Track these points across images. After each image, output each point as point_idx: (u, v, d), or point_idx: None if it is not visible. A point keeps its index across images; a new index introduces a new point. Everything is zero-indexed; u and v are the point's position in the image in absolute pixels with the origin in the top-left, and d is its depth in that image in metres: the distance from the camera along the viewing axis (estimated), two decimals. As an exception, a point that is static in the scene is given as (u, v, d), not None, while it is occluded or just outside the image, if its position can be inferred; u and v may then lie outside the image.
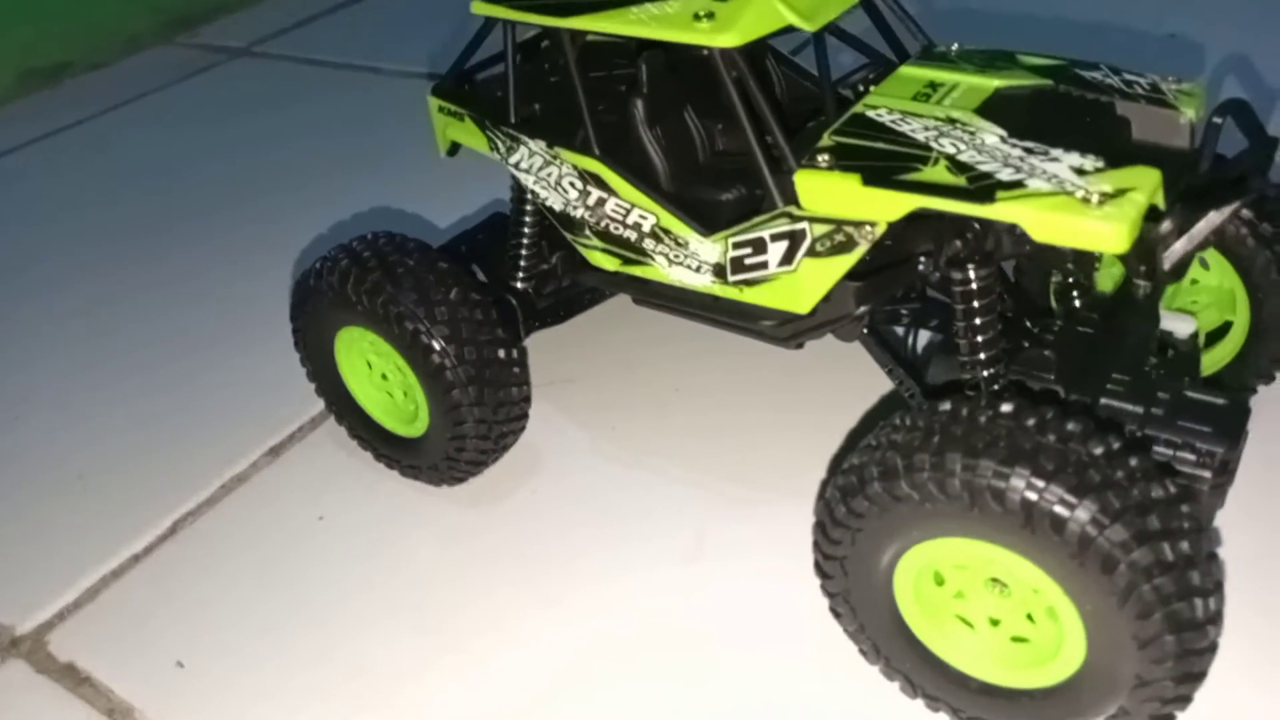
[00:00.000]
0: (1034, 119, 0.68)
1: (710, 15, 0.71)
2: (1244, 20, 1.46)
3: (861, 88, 0.78)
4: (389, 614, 0.83)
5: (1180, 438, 0.67)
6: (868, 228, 0.68)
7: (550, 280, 0.94)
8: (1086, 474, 0.56)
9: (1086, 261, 0.70)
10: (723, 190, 0.81)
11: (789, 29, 0.71)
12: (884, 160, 0.67)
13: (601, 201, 0.81)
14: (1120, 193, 0.60)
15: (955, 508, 0.59)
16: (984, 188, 0.62)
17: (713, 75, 0.71)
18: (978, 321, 0.69)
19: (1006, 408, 0.61)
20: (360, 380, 0.93)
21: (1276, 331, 0.81)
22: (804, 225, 0.71)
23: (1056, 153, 0.64)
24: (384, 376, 0.92)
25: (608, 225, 0.82)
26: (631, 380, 1.02)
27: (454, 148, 0.94)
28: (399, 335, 0.83)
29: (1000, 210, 0.62)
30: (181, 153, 1.67)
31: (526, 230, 0.92)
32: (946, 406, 0.63)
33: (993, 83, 0.72)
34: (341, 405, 0.95)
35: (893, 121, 0.70)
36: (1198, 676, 0.58)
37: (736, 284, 0.77)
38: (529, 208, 0.91)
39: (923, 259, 0.72)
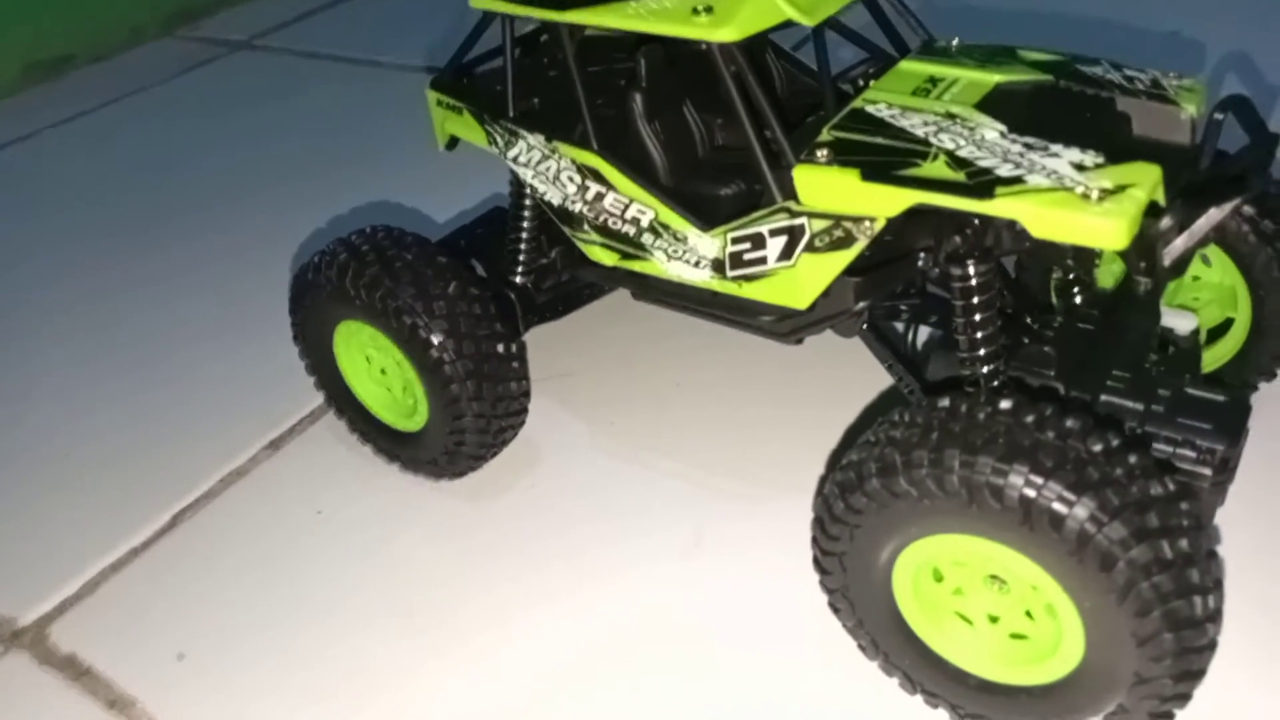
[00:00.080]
0: (1034, 114, 0.68)
1: (709, 9, 0.70)
2: (1245, 16, 1.45)
3: (861, 82, 0.77)
4: (388, 609, 0.83)
5: (1181, 435, 0.67)
6: (866, 223, 0.68)
7: (549, 275, 0.94)
8: (1085, 471, 0.56)
9: (1086, 258, 0.70)
10: (722, 185, 0.81)
11: (788, 23, 0.71)
12: (883, 155, 0.67)
13: (600, 196, 0.81)
14: (1120, 189, 0.60)
15: (954, 504, 0.59)
16: (983, 183, 0.62)
17: (711, 70, 0.71)
18: (977, 318, 0.69)
19: (1005, 404, 0.60)
20: (359, 374, 0.93)
21: (1278, 329, 0.80)
22: (803, 220, 0.71)
23: (1056, 148, 0.64)
24: (383, 371, 0.91)
25: (606, 220, 0.82)
26: (631, 375, 1.02)
27: (453, 141, 0.94)
28: (397, 330, 0.83)
29: (999, 206, 0.61)
30: (182, 146, 1.67)
31: (525, 225, 0.91)
32: (945, 403, 0.62)
33: (993, 78, 0.72)
34: (341, 399, 0.95)
35: (892, 117, 0.69)
36: (1196, 674, 0.58)
37: (735, 279, 0.76)
38: (528, 202, 0.90)
39: (922, 255, 0.72)
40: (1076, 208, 0.60)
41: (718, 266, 0.77)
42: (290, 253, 1.28)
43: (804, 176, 0.69)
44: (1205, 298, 0.84)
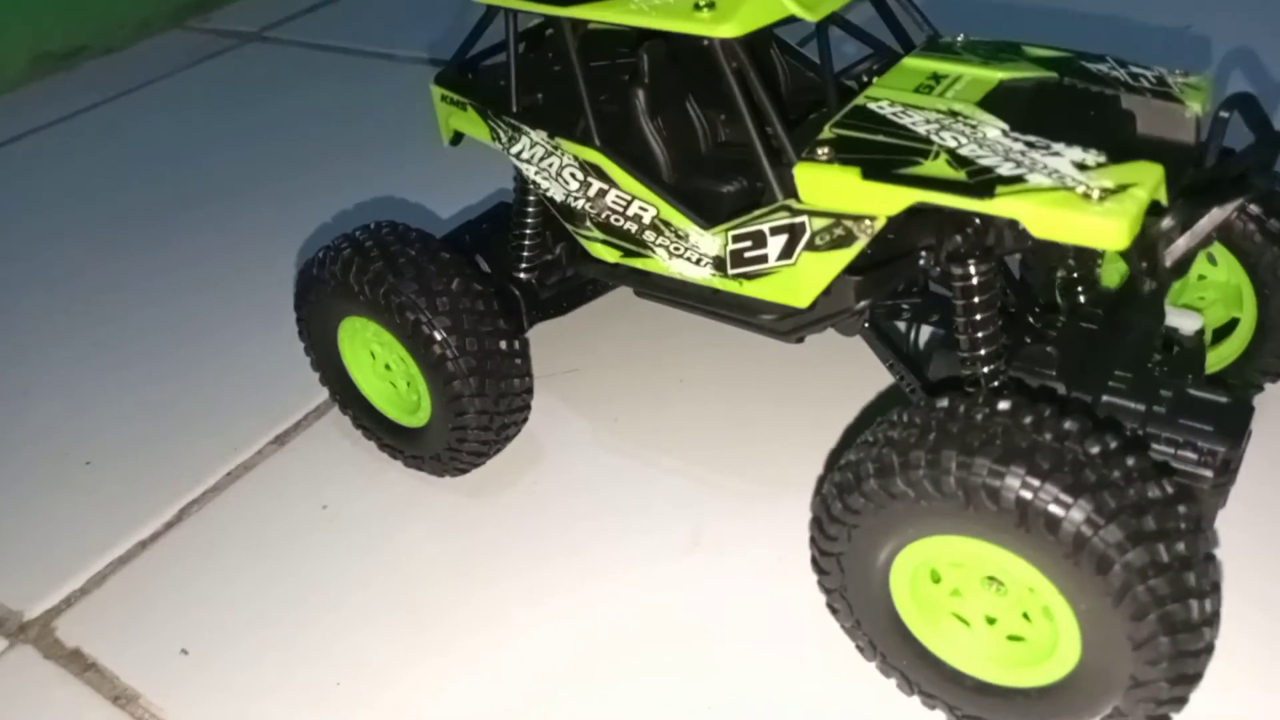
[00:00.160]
0: (1037, 112, 0.67)
1: (711, 5, 0.70)
2: (1253, 13, 1.44)
3: (865, 79, 0.77)
4: (390, 606, 0.83)
5: (1182, 436, 0.66)
6: (867, 222, 0.68)
7: (554, 271, 0.94)
8: (1082, 473, 0.56)
9: (1088, 257, 0.70)
10: (725, 182, 0.81)
11: (791, 19, 0.71)
12: (884, 153, 0.66)
13: (602, 193, 0.81)
14: (1122, 188, 0.59)
15: (951, 506, 0.59)
16: (984, 182, 0.62)
17: (713, 66, 0.71)
18: (978, 317, 0.68)
19: (1004, 405, 0.60)
20: (364, 370, 0.93)
21: (1284, 328, 0.80)
22: (803, 219, 0.70)
23: (1058, 147, 0.63)
24: (387, 366, 0.92)
25: (608, 217, 0.82)
26: (634, 372, 1.02)
27: (457, 137, 0.94)
28: (400, 326, 0.83)
29: (999, 205, 0.61)
30: (191, 139, 1.68)
31: (530, 221, 0.91)
32: (944, 403, 0.62)
33: (997, 75, 0.72)
34: (345, 395, 0.96)
35: (894, 114, 0.69)
36: (1193, 678, 0.58)
37: (736, 277, 0.76)
38: (532, 198, 0.90)
39: (923, 254, 0.72)
40: (1077, 207, 0.59)
41: (719, 264, 0.77)
42: (296, 247, 1.29)
43: (804, 174, 0.68)
44: (1211, 297, 0.83)
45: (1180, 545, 0.56)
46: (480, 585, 0.84)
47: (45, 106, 1.86)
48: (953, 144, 0.65)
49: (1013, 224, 0.64)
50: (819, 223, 0.70)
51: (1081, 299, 0.74)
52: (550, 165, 0.84)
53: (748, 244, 0.74)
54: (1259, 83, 1.28)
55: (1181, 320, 0.74)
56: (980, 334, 0.69)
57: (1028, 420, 0.59)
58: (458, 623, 0.81)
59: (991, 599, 0.63)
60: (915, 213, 0.66)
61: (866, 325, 0.78)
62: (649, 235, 0.80)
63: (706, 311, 0.82)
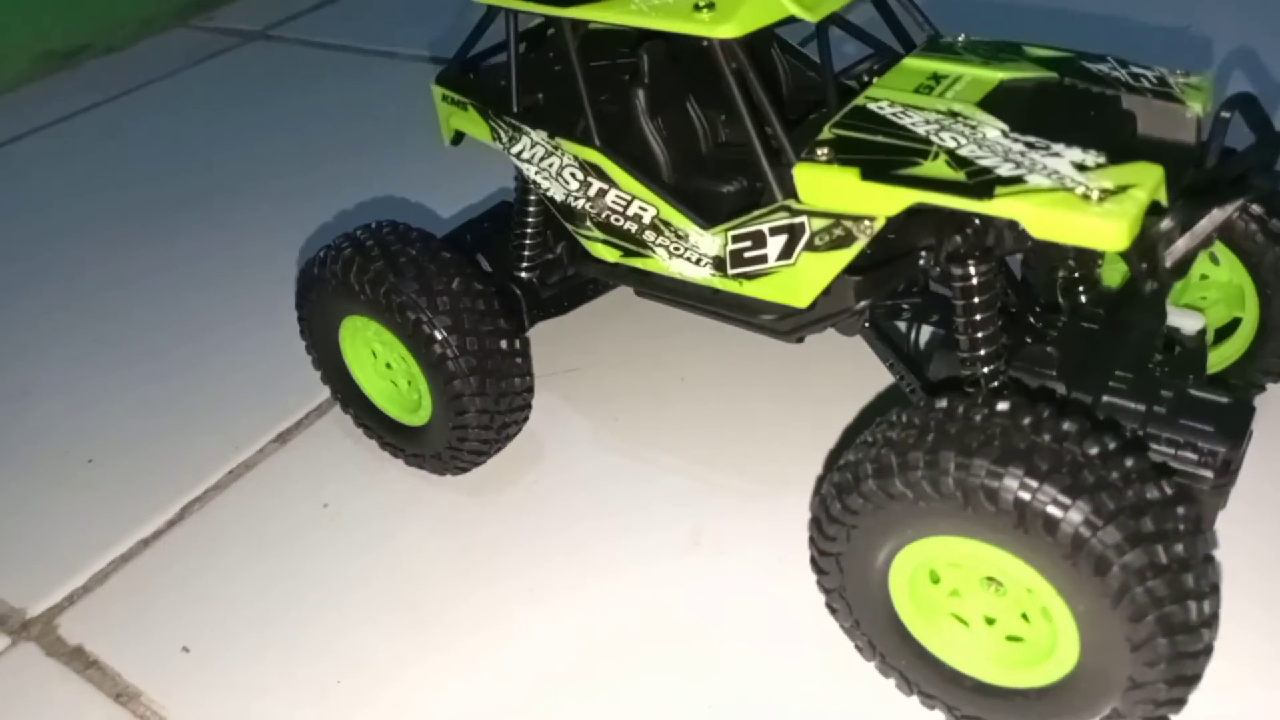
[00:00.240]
0: (1037, 113, 0.67)
1: (710, 6, 0.70)
2: (1254, 13, 1.44)
3: (865, 79, 0.77)
4: (391, 604, 0.84)
5: (1182, 436, 0.66)
6: (866, 222, 0.68)
7: (555, 270, 0.94)
8: (1081, 474, 0.56)
9: (1088, 258, 0.70)
10: (725, 182, 0.81)
11: (791, 19, 0.71)
12: (883, 154, 0.66)
13: (602, 193, 0.81)
14: (1121, 189, 0.59)
15: (949, 506, 0.59)
16: (983, 183, 0.62)
17: (713, 66, 0.71)
18: (978, 318, 0.68)
19: (1002, 406, 0.60)
20: (365, 369, 0.93)
21: (1286, 329, 0.80)
22: (803, 219, 0.70)
23: (1058, 148, 0.63)
24: (388, 365, 0.92)
25: (608, 217, 0.82)
26: (634, 371, 1.02)
27: (458, 136, 0.94)
28: (401, 325, 0.83)
29: (999, 206, 0.61)
30: (194, 137, 1.68)
31: (531, 220, 0.92)
32: (943, 404, 0.62)
33: (997, 75, 0.72)
34: (347, 393, 0.96)
35: (894, 114, 0.69)
36: (1191, 679, 0.58)
37: (736, 277, 0.76)
38: (533, 197, 0.90)
39: (923, 254, 0.72)
40: (1076, 208, 0.59)
41: (719, 264, 0.77)
42: (298, 245, 1.29)
43: (804, 175, 0.68)
44: (1213, 297, 0.83)
45: (1179, 547, 0.56)
46: (481, 584, 0.84)
47: (47, 105, 1.87)
48: (952, 144, 0.65)
49: (1012, 224, 0.64)
50: (818, 223, 0.70)
51: (1082, 299, 0.74)
52: (550, 165, 0.84)
53: (747, 244, 0.74)
54: (1259, 83, 1.28)
55: (1183, 320, 0.74)
56: (980, 334, 0.69)
57: (1026, 421, 0.59)
58: (458, 621, 0.81)
59: (990, 599, 0.64)
60: (915, 213, 0.66)
61: (866, 325, 0.78)
62: (649, 235, 0.80)
63: (706, 311, 0.82)
